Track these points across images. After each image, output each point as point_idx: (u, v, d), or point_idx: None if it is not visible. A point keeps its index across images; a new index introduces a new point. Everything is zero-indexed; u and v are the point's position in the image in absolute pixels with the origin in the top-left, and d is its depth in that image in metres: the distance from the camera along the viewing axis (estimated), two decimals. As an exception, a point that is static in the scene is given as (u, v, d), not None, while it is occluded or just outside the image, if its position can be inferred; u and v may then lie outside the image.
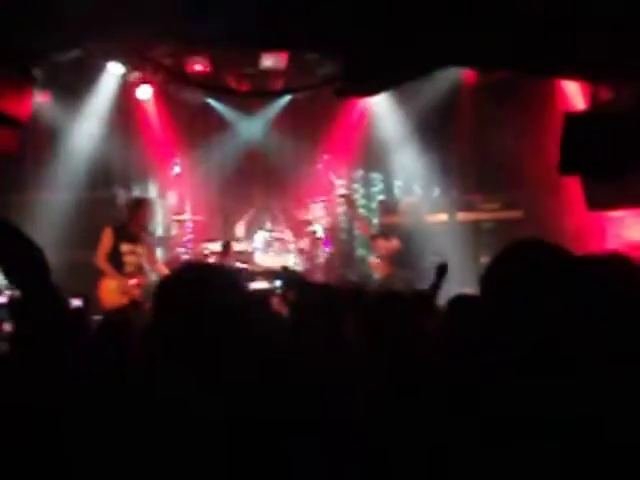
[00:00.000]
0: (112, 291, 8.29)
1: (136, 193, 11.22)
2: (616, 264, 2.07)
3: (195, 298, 1.98)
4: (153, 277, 8.99)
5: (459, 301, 3.71)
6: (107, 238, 8.28)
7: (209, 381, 1.88)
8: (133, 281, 8.37)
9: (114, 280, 8.28)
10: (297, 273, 4.13)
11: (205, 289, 2.01)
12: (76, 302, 6.36)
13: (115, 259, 8.27)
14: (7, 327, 4.64)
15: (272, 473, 1.91)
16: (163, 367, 1.94)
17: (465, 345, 2.76)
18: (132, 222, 8.44)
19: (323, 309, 3.56)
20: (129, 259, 8.37)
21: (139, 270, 8.46)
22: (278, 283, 4.13)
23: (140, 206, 8.62)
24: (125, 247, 8.33)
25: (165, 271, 8.81)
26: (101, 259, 8.23)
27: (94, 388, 2.03)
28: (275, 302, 5.01)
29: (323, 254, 10.34)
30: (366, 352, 3.40)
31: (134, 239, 8.42)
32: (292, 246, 10.43)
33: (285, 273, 4.11)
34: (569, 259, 1.92)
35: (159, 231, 11.38)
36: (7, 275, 2.00)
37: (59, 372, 1.98)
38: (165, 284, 2.08)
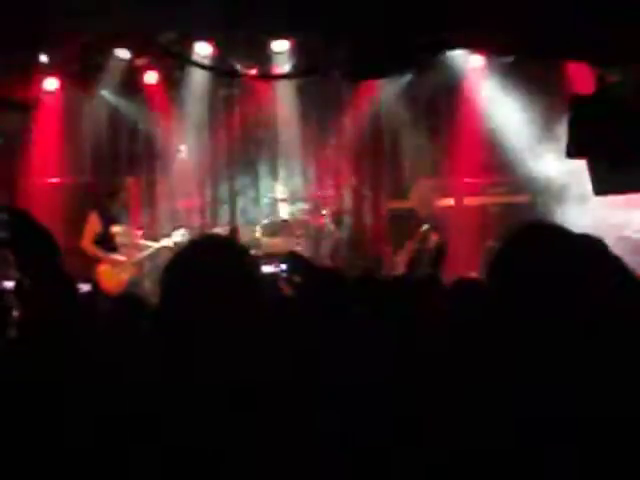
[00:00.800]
0: (110, 274, 8.41)
1: (143, 178, 11.28)
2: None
3: (208, 273, 1.95)
4: (141, 254, 9.07)
5: (460, 285, 3.73)
6: (95, 223, 8.46)
7: (214, 359, 1.87)
8: (127, 260, 8.53)
9: (109, 263, 8.41)
10: (304, 258, 4.12)
11: (219, 264, 1.98)
12: (85, 287, 6.41)
13: (107, 242, 8.42)
14: (16, 313, 4.66)
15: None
16: (169, 350, 1.93)
17: (467, 330, 2.78)
18: (113, 204, 8.58)
19: (329, 292, 3.58)
20: (120, 240, 8.54)
21: (130, 249, 8.63)
22: (284, 267, 4.11)
23: (119, 189, 8.79)
24: (115, 229, 8.50)
25: (148, 246, 8.97)
26: (89, 244, 8.39)
27: (103, 373, 2.04)
28: (282, 286, 5.02)
29: (331, 240, 10.33)
30: (373, 335, 3.41)
31: (118, 220, 8.60)
32: (299, 231, 10.42)
33: (291, 257, 4.10)
34: (576, 242, 1.91)
35: (165, 216, 11.40)
36: (18, 261, 2.01)
37: (68, 357, 2.00)
38: (177, 259, 2.05)
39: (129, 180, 10.42)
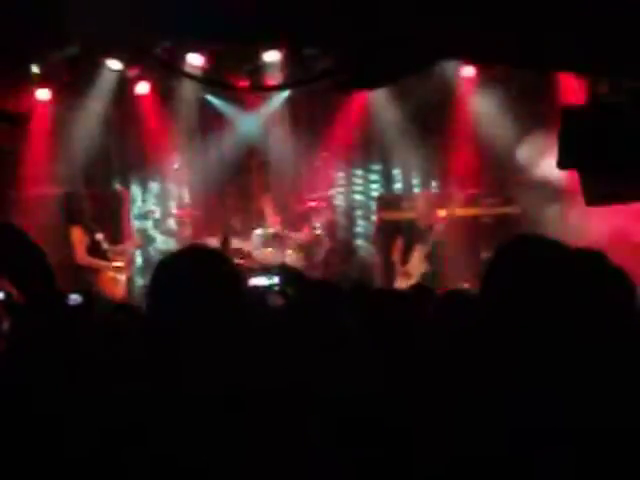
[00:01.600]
0: (112, 280, 8.49)
1: (135, 188, 11.27)
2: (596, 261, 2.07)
3: (194, 283, 1.92)
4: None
5: (451, 296, 3.74)
6: (81, 235, 8.53)
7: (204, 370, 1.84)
8: (118, 263, 8.67)
9: (108, 270, 8.49)
10: (296, 270, 4.10)
11: (205, 274, 1.95)
12: (76, 298, 6.35)
13: (99, 250, 8.51)
14: (6, 325, 4.63)
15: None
16: (157, 360, 1.90)
17: (460, 341, 2.77)
18: (83, 216, 8.70)
19: (322, 305, 3.56)
20: (105, 246, 8.67)
21: (115, 253, 8.82)
22: (276, 280, 4.10)
23: (78, 201, 8.92)
24: (99, 236, 8.62)
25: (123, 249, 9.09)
26: (84, 257, 8.45)
27: (94, 384, 2.02)
28: (273, 299, 5.00)
29: (322, 251, 10.33)
30: (365, 347, 3.39)
31: (97, 228, 8.74)
32: (291, 242, 10.42)
33: (283, 270, 4.10)
34: (568, 254, 1.91)
35: (159, 226, 11.39)
36: (10, 279, 1.99)
37: (60, 368, 1.98)
38: (163, 269, 2.01)
39: (120, 189, 10.47)
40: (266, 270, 9.19)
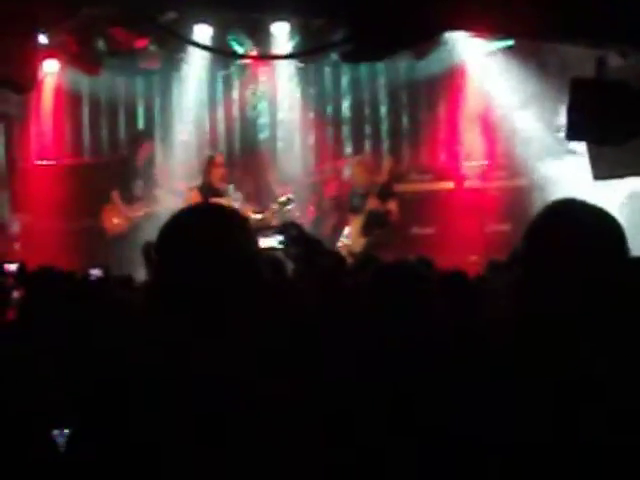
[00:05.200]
0: None
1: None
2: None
3: (212, 244, 1.80)
4: None
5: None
6: (194, 198, 8.50)
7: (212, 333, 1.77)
8: None
9: None
10: (301, 229, 3.99)
11: (224, 234, 1.83)
12: (96, 272, 6.34)
13: None
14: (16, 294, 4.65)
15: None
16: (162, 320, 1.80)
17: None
18: (212, 178, 8.84)
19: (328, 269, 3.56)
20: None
21: None
22: (281, 237, 4.02)
23: (215, 162, 8.82)
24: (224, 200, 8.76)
25: None
26: None
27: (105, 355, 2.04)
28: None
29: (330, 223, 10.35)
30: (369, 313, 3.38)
31: (221, 194, 8.82)
32: (297, 214, 10.41)
33: (289, 228, 4.01)
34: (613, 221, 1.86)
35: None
36: None
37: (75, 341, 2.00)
38: (174, 225, 1.87)
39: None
40: (269, 230, 9.21)
